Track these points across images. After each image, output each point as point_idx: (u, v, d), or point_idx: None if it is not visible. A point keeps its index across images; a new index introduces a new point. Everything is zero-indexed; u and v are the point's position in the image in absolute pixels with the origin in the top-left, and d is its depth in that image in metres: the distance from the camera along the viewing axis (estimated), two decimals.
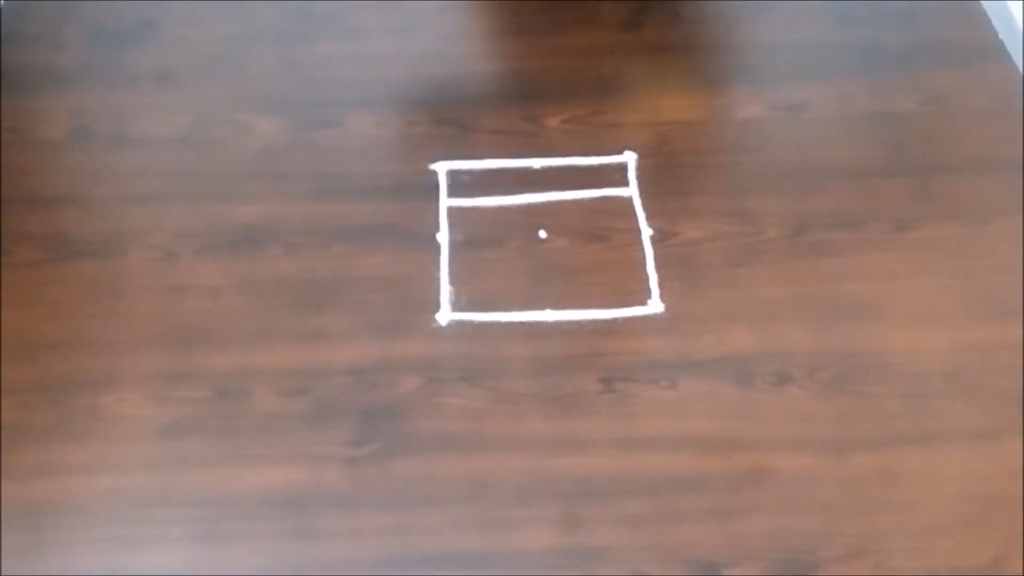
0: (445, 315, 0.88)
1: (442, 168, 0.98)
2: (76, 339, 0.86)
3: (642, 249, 0.93)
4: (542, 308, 0.88)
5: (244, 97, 1.05)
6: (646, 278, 0.91)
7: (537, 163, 0.98)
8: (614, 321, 0.88)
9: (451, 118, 1.03)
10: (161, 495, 0.78)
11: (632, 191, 0.97)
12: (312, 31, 1.12)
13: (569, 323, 0.88)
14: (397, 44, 1.11)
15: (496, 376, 0.84)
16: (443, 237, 0.93)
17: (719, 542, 0.76)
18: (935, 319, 0.88)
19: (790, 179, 0.98)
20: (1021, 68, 1.09)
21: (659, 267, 0.91)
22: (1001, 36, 1.11)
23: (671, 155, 1.00)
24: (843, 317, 0.88)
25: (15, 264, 0.91)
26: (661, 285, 0.90)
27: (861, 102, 1.05)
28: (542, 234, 0.94)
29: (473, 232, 0.94)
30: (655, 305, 0.89)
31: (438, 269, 0.91)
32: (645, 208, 0.96)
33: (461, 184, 0.97)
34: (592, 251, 0.93)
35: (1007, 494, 0.78)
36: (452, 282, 0.90)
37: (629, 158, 0.99)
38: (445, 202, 0.96)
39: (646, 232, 0.94)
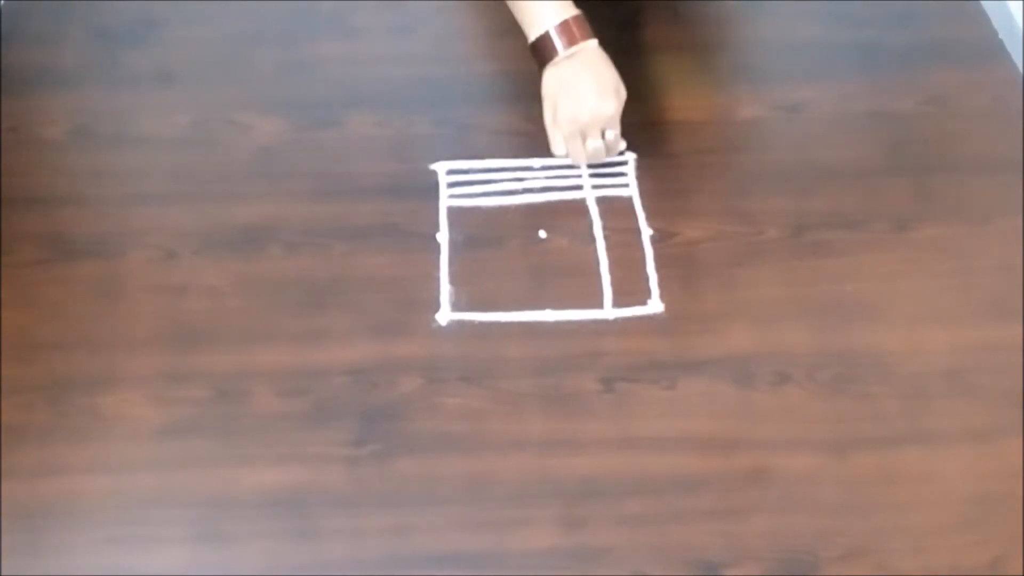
0: (445, 315, 0.88)
1: (442, 168, 0.98)
2: (76, 339, 0.86)
3: (642, 249, 0.93)
4: (542, 308, 0.88)
5: (244, 97, 1.05)
6: (646, 278, 0.91)
7: (537, 163, 0.98)
8: (614, 321, 0.88)
9: (451, 118, 1.03)
10: (161, 495, 0.78)
11: (632, 191, 0.97)
12: (312, 31, 1.12)
13: (569, 323, 0.88)
14: (397, 44, 1.11)
15: (496, 376, 0.84)
16: (443, 237, 0.93)
17: (719, 542, 0.76)
18: (935, 319, 0.88)
19: (790, 179, 0.98)
20: (1021, 68, 1.09)
21: (659, 267, 0.91)
22: (1001, 36, 1.11)
23: (671, 155, 1.00)
24: (843, 317, 0.88)
25: (15, 264, 0.91)
26: (661, 285, 0.90)
27: (861, 102, 1.05)
28: (542, 234, 0.94)
29: (473, 232, 0.94)
30: (655, 305, 0.89)
31: (438, 269, 0.91)
32: (645, 208, 0.96)
33: (461, 184, 0.97)
34: (592, 251, 0.93)
35: (1007, 494, 0.78)
36: (452, 282, 0.90)
37: (629, 158, 0.99)
38: (445, 202, 0.96)
39: (646, 232, 0.94)
